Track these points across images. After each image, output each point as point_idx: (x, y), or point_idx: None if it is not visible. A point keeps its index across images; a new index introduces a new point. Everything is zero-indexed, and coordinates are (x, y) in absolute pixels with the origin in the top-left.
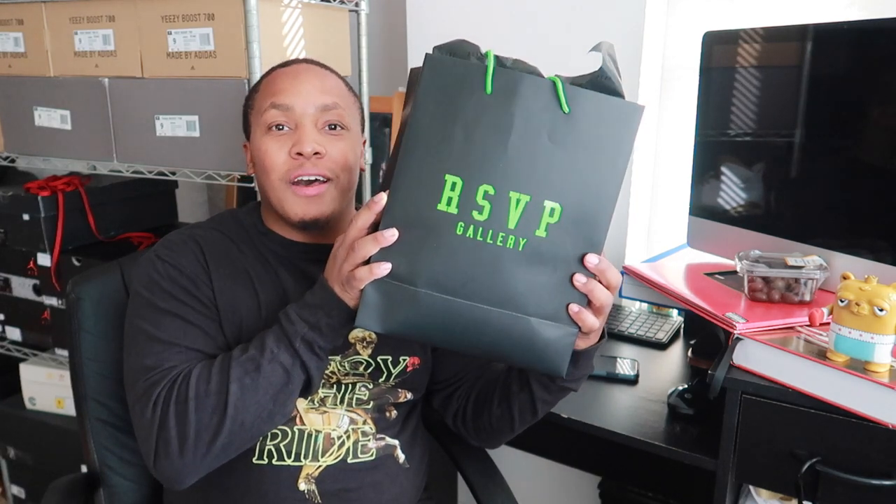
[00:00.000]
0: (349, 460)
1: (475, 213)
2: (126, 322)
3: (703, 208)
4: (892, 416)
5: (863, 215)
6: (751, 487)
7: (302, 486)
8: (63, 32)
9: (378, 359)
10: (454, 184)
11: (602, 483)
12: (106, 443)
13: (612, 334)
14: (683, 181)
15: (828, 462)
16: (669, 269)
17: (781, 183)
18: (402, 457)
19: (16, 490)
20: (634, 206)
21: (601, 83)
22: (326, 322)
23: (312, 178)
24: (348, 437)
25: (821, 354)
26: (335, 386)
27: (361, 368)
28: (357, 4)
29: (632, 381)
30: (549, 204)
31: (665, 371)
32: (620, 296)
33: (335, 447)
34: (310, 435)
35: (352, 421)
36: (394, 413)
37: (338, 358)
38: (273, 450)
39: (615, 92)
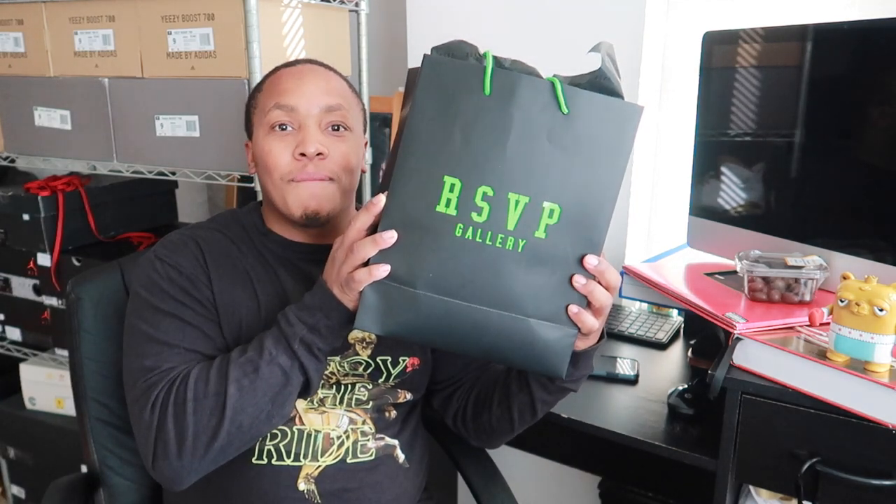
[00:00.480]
0: (348, 460)
1: (474, 215)
2: (125, 322)
3: (703, 208)
4: (892, 416)
5: (863, 215)
6: (751, 487)
7: (301, 485)
8: (63, 32)
9: (378, 359)
10: (453, 185)
11: (602, 483)
12: (106, 443)
13: (612, 334)
14: (683, 181)
15: (828, 462)
16: (669, 269)
17: (781, 183)
18: (401, 456)
19: (16, 490)
20: (634, 206)
21: (600, 83)
22: (325, 324)
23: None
24: (347, 437)
25: (821, 354)
26: (335, 386)
27: (361, 369)
28: (357, 4)
29: (632, 381)
30: (548, 205)
31: (665, 371)
32: (620, 296)
33: (334, 447)
34: (309, 435)
35: (351, 421)
36: (393, 413)
37: (337, 358)
38: (272, 450)
39: (614, 92)
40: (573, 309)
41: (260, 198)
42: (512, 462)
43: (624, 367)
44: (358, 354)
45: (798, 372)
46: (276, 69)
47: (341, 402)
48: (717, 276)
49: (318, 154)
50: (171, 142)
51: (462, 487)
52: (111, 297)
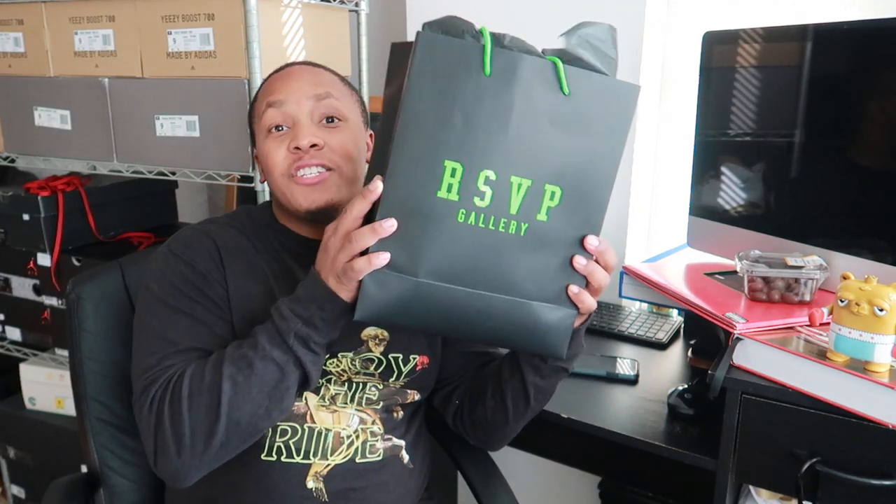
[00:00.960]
0: (357, 460)
1: (477, 200)
2: (135, 317)
3: (703, 208)
4: (892, 416)
5: (863, 215)
6: (751, 487)
7: (310, 483)
8: (63, 32)
9: (389, 356)
10: (454, 170)
11: (602, 483)
12: (106, 443)
13: (612, 334)
14: (683, 181)
15: (828, 462)
16: (669, 269)
17: (781, 183)
18: (406, 457)
19: (16, 490)
20: (634, 206)
21: (573, 58)
22: (320, 316)
23: (314, 169)
24: (357, 437)
25: (821, 354)
26: (346, 384)
27: (373, 367)
28: (357, 4)
29: (632, 381)
30: (549, 187)
31: (665, 371)
32: (620, 296)
33: (344, 446)
34: (319, 433)
35: (361, 421)
36: (401, 413)
37: (350, 355)
38: (282, 447)
39: (592, 67)
40: (574, 290)
41: (261, 200)
42: (512, 462)
43: (624, 367)
44: (371, 351)
45: (798, 372)
46: (269, 76)
47: (352, 400)
48: (717, 276)
49: (312, 146)
50: (171, 142)
51: (462, 487)
52: (111, 297)
